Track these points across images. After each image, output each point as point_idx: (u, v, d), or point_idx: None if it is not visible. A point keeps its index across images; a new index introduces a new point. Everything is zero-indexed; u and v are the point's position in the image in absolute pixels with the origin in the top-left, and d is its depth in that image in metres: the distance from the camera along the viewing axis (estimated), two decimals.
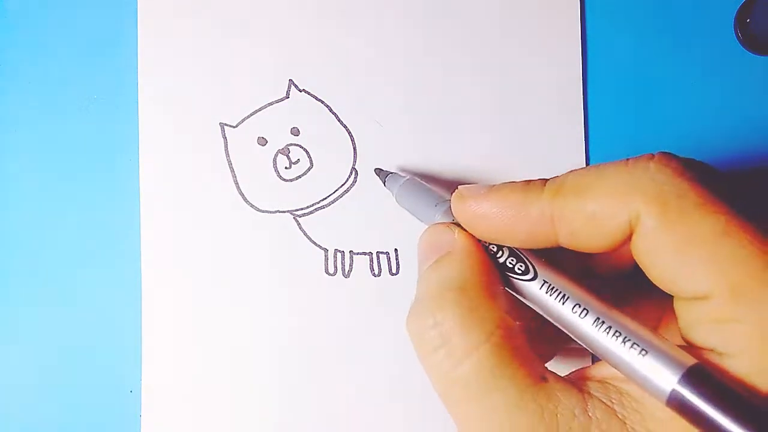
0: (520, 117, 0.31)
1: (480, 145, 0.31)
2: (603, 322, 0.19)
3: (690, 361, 0.17)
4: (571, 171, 0.20)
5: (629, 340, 0.18)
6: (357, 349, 0.30)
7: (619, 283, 0.22)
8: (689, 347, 0.18)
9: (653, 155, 0.19)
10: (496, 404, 0.18)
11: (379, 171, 0.30)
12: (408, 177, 0.28)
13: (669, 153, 0.19)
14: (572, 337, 0.20)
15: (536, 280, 0.20)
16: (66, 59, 0.31)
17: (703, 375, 0.17)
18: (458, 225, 0.22)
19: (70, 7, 0.31)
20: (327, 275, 0.30)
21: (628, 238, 0.19)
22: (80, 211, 0.31)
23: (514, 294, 0.21)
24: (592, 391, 0.19)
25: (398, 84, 0.31)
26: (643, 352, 0.18)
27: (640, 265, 0.19)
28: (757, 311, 0.17)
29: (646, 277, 0.22)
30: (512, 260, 0.21)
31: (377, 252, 0.31)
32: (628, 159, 0.19)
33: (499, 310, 0.20)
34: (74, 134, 0.31)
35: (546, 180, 0.20)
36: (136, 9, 0.31)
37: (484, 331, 0.19)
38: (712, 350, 0.18)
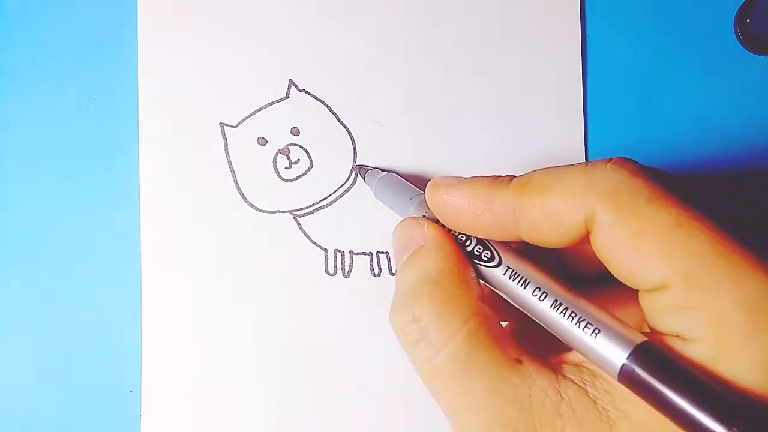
0: (520, 117, 0.31)
1: (480, 145, 0.31)
2: (560, 304, 0.20)
3: (640, 338, 0.18)
4: (537, 170, 0.21)
5: (583, 320, 0.19)
6: (357, 349, 0.30)
7: (605, 285, 0.23)
8: (657, 333, 0.19)
9: (611, 158, 0.20)
10: (474, 388, 0.20)
11: (359, 167, 0.30)
12: (385, 173, 0.29)
13: (625, 157, 0.20)
14: (534, 319, 0.21)
15: (501, 267, 0.22)
16: (66, 59, 0.31)
17: (652, 351, 0.18)
18: (429, 219, 0.24)
19: (70, 7, 0.31)
20: (327, 275, 0.30)
21: (586, 236, 0.20)
22: (80, 211, 0.31)
23: (483, 282, 0.22)
24: (566, 373, 0.20)
25: (398, 84, 0.31)
26: (596, 331, 0.19)
27: (602, 260, 0.20)
28: (712, 296, 0.17)
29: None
30: (479, 248, 0.22)
31: (377, 252, 0.31)
32: (588, 162, 0.20)
33: (472, 298, 0.21)
34: (74, 134, 0.31)
35: (513, 176, 0.21)
36: (136, 9, 0.31)
37: (459, 320, 0.20)
38: (677, 336, 0.18)
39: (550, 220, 0.20)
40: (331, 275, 0.31)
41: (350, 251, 0.31)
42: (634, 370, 0.18)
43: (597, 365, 0.19)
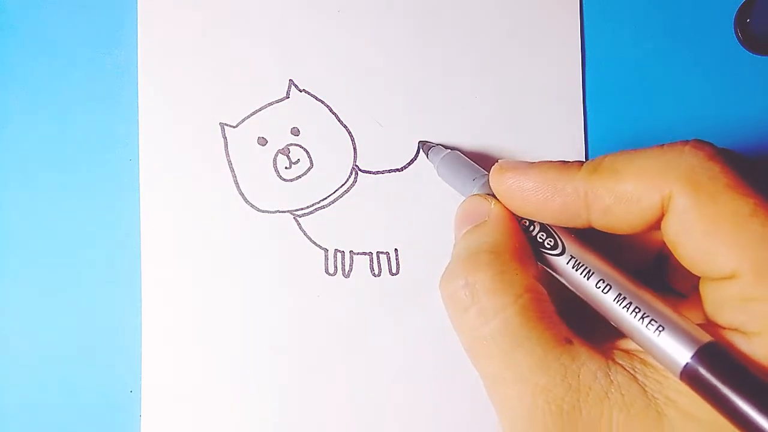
0: (520, 117, 0.31)
1: (480, 145, 0.31)
2: (624, 298, 0.20)
3: (706, 338, 0.18)
4: (608, 154, 0.21)
5: (647, 316, 0.19)
6: (357, 349, 0.30)
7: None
8: (714, 327, 0.19)
9: (688, 141, 0.20)
10: (520, 361, 0.19)
11: (422, 143, 0.30)
12: (449, 150, 0.29)
13: (703, 140, 0.20)
14: (596, 310, 0.20)
15: (564, 255, 0.21)
16: (66, 59, 0.31)
17: (718, 352, 0.17)
18: (495, 198, 0.23)
19: (70, 7, 0.31)
20: (327, 275, 0.30)
21: (659, 220, 0.19)
22: (80, 210, 0.31)
23: (544, 267, 0.22)
24: (616, 359, 0.20)
25: (398, 84, 0.31)
26: (660, 329, 0.19)
27: (670, 246, 0.19)
28: None
29: (664, 271, 0.23)
30: (542, 235, 0.22)
31: (377, 252, 0.31)
32: (663, 144, 0.20)
33: (528, 275, 0.21)
34: (74, 134, 0.31)
35: (582, 161, 0.21)
36: (136, 9, 0.31)
37: (513, 293, 0.20)
38: (736, 329, 0.18)
39: (625, 203, 0.19)
40: (331, 275, 0.31)
41: (350, 251, 0.31)
42: (697, 370, 0.17)
43: (659, 362, 0.19)
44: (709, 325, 0.19)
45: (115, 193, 0.31)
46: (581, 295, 0.21)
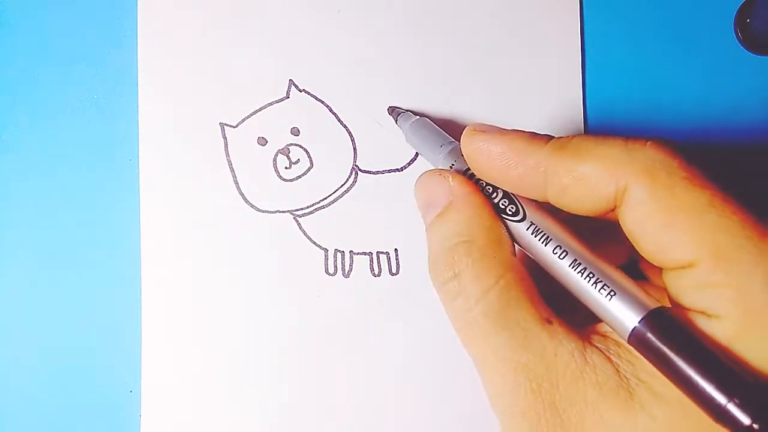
0: (521, 117, 0.31)
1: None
2: (579, 264, 0.20)
3: (654, 304, 0.19)
4: (576, 134, 0.21)
5: (600, 281, 0.20)
6: (357, 349, 0.30)
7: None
8: (680, 307, 0.19)
9: (650, 137, 0.20)
10: (503, 342, 0.20)
11: (392, 109, 0.30)
12: (418, 117, 0.29)
13: (665, 138, 0.20)
14: (553, 276, 0.21)
15: (524, 222, 0.22)
16: (66, 59, 0.31)
17: (665, 317, 0.18)
18: (456, 172, 0.24)
19: (70, 7, 0.31)
20: (327, 275, 0.30)
21: (611, 209, 0.20)
22: (80, 210, 0.31)
23: (510, 234, 0.23)
24: (593, 341, 0.20)
25: (398, 84, 0.31)
26: (612, 293, 0.19)
27: (630, 238, 0.20)
28: (738, 275, 0.18)
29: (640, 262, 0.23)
30: (505, 201, 0.23)
31: (377, 252, 0.31)
32: (627, 137, 0.20)
33: (506, 254, 0.22)
34: (74, 134, 0.31)
35: (552, 136, 0.22)
36: (136, 9, 0.31)
37: (493, 276, 0.21)
38: (702, 312, 0.18)
39: (581, 186, 0.20)
40: (331, 275, 0.30)
41: (350, 251, 0.31)
42: (645, 334, 0.18)
43: (610, 326, 0.20)
44: (676, 306, 0.20)
45: (115, 193, 0.31)
46: (540, 263, 0.22)
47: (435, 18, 0.31)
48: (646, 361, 0.19)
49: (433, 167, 0.26)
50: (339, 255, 0.31)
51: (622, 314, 0.19)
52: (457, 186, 0.23)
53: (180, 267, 0.30)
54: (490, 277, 0.21)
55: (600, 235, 0.23)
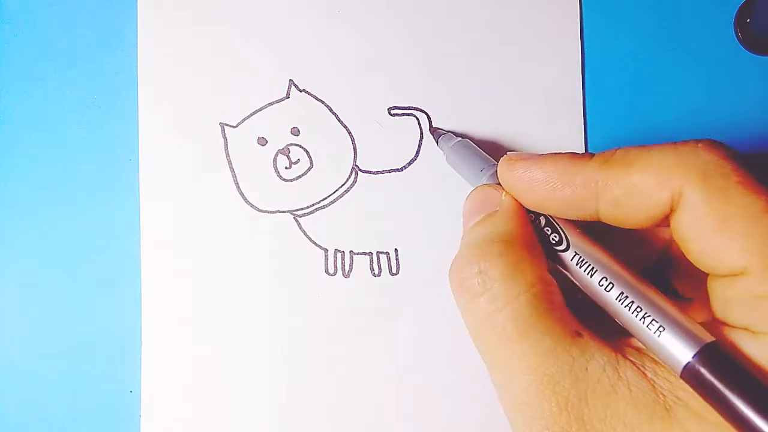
0: (520, 117, 0.31)
1: (480, 145, 0.31)
2: (626, 297, 0.20)
3: (708, 338, 0.18)
4: (619, 147, 0.21)
5: (649, 316, 0.19)
6: (357, 349, 0.30)
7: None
8: (721, 326, 0.19)
9: (701, 140, 0.20)
10: (529, 350, 0.20)
11: (434, 130, 0.30)
12: (460, 139, 0.29)
13: (716, 140, 0.20)
14: (601, 306, 0.20)
15: (569, 251, 0.21)
16: (66, 59, 0.31)
17: (719, 352, 0.17)
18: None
19: (70, 7, 0.31)
20: (327, 275, 0.30)
21: (666, 217, 0.19)
22: (80, 210, 0.31)
23: (555, 263, 0.22)
24: (627, 355, 0.20)
25: (398, 84, 0.31)
26: (661, 328, 0.19)
27: (679, 242, 0.19)
28: None
29: (667, 272, 0.23)
30: (548, 230, 0.22)
31: (377, 252, 0.31)
32: (676, 142, 0.20)
33: (540, 266, 0.21)
34: (74, 134, 0.31)
35: (593, 153, 0.21)
36: (136, 9, 0.31)
37: (525, 282, 0.20)
38: (745, 329, 0.18)
39: (635, 195, 0.19)
40: (331, 275, 0.30)
41: (350, 251, 0.31)
42: (698, 369, 0.17)
43: (662, 361, 0.19)
44: (716, 323, 0.19)
45: (115, 193, 0.31)
46: (585, 291, 0.21)
47: (435, 18, 0.31)
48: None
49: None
50: (339, 255, 0.31)
51: (674, 349, 0.18)
52: (508, 199, 0.23)
53: (180, 267, 0.30)
54: (523, 282, 0.20)
55: (627, 244, 0.22)
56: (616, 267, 0.20)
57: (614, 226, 0.21)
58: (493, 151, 0.31)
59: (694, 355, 0.18)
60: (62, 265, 0.30)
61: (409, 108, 0.31)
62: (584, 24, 0.31)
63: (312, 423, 0.30)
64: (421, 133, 0.31)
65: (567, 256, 0.21)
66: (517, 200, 0.23)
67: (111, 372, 0.30)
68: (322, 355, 0.30)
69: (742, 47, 0.31)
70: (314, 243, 0.31)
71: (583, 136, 0.31)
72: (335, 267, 0.31)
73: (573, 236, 0.22)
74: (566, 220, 0.22)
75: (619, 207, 0.20)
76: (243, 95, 0.31)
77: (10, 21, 0.31)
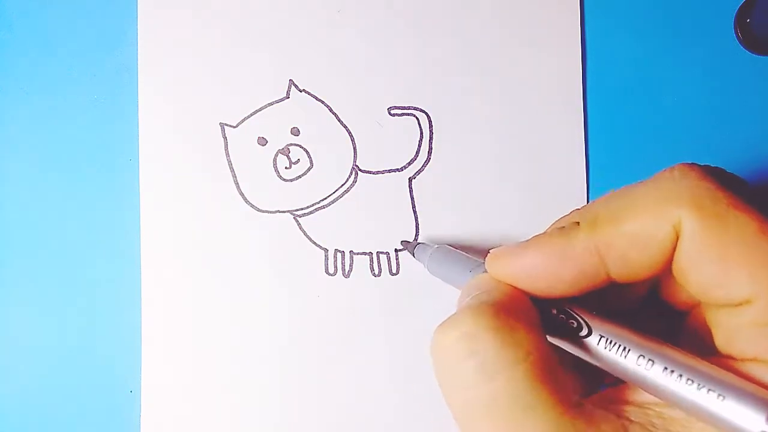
0: (520, 117, 0.31)
1: (480, 145, 0.31)
2: (673, 371, 0.18)
3: None
4: (596, 201, 0.20)
5: (704, 386, 0.17)
6: (357, 349, 0.30)
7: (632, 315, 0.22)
8: (730, 359, 0.18)
9: (673, 167, 0.19)
10: (529, 428, 0.17)
11: (406, 243, 0.30)
12: (437, 246, 0.27)
13: (686, 162, 0.19)
14: (643, 388, 0.19)
15: (593, 335, 0.19)
16: (66, 59, 0.31)
17: None
18: None
19: (70, 7, 0.31)
20: (327, 275, 0.30)
21: (674, 250, 0.18)
22: (80, 210, 0.31)
23: (576, 353, 0.20)
24: (631, 417, 0.18)
25: (398, 84, 0.31)
26: (721, 397, 0.17)
27: (678, 273, 0.18)
28: None
29: (654, 298, 0.22)
30: (562, 317, 0.20)
31: (377, 252, 0.31)
32: (651, 177, 0.19)
33: (537, 334, 0.19)
34: (74, 134, 0.31)
35: (576, 221, 0.19)
36: (136, 9, 0.31)
37: (522, 350, 0.18)
38: (753, 359, 0.17)
39: (639, 244, 0.18)
40: (331, 275, 0.30)
41: (350, 251, 0.31)
42: None
43: (726, 430, 0.17)
44: (721, 357, 0.18)
45: (115, 193, 0.31)
46: (618, 375, 0.19)
47: (435, 18, 0.31)
48: (697, 429, 0.17)
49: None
50: (339, 255, 0.31)
51: (742, 418, 0.16)
52: (504, 285, 0.20)
53: (180, 267, 0.30)
54: (520, 350, 0.18)
55: (610, 292, 0.21)
56: (648, 342, 0.19)
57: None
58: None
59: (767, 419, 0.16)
60: (62, 265, 0.30)
61: (409, 108, 0.31)
62: (585, 24, 0.31)
63: (312, 422, 0.30)
64: (421, 133, 0.31)
65: (591, 341, 0.19)
66: (516, 289, 0.20)
67: (111, 372, 0.30)
68: (322, 354, 0.30)
69: (742, 47, 0.31)
70: (314, 243, 0.31)
71: (584, 136, 0.31)
72: (335, 267, 0.31)
73: (591, 319, 0.19)
74: (575, 304, 0.20)
75: (629, 261, 0.19)
76: (243, 95, 0.31)
77: (10, 21, 0.31)
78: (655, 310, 0.23)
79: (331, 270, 0.30)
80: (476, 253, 0.28)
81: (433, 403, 0.30)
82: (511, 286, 0.20)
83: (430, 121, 0.31)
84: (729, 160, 0.31)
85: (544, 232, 0.20)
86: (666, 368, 0.18)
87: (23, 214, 0.31)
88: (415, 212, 0.31)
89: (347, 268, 0.31)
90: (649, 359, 0.18)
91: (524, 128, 0.31)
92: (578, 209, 0.21)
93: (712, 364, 0.18)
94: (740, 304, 0.17)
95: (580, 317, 0.19)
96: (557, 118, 0.31)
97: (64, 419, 0.30)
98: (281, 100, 0.31)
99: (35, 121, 0.31)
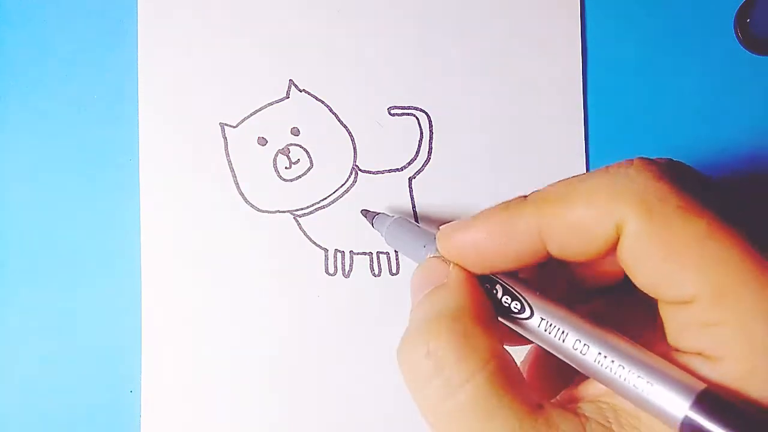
0: (520, 117, 0.31)
1: (480, 145, 0.31)
2: (605, 357, 0.18)
3: (699, 385, 0.17)
4: (553, 183, 0.20)
5: (633, 372, 0.18)
6: (357, 349, 0.30)
7: (610, 295, 0.22)
8: (677, 352, 0.18)
9: (632, 160, 0.19)
10: None
11: (365, 212, 0.30)
12: (395, 217, 0.28)
13: (646, 157, 0.19)
14: (580, 370, 0.19)
15: (534, 318, 0.20)
16: (66, 59, 0.31)
17: (713, 399, 0.17)
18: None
19: (70, 7, 0.31)
20: (327, 275, 0.30)
21: (615, 245, 0.19)
22: (80, 211, 0.31)
23: (516, 329, 0.21)
24: (587, 414, 0.19)
25: (398, 84, 0.31)
26: (650, 383, 0.18)
27: (626, 271, 0.19)
28: (740, 313, 0.17)
29: (634, 286, 0.22)
30: (507, 299, 0.21)
31: (377, 252, 0.31)
32: (608, 166, 0.19)
33: (493, 339, 0.20)
34: (74, 134, 0.31)
35: (526, 195, 0.20)
36: (136, 9, 0.31)
37: (480, 359, 0.19)
38: (699, 354, 0.18)
39: (580, 233, 0.19)
40: (331, 275, 0.31)
41: (350, 251, 0.31)
42: (697, 421, 0.17)
43: (653, 416, 0.18)
44: (671, 350, 0.19)
45: (115, 193, 0.31)
46: (558, 356, 0.20)
47: (435, 18, 0.31)
48: (649, 422, 0.18)
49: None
50: (339, 255, 0.31)
51: (667, 404, 0.17)
52: (456, 270, 0.21)
53: (180, 267, 0.30)
54: (477, 360, 0.19)
55: (581, 269, 0.21)
56: (587, 326, 0.19)
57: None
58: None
59: (691, 406, 0.17)
60: (62, 265, 0.30)
61: (409, 108, 0.31)
62: (585, 24, 0.31)
63: (312, 422, 0.30)
64: (421, 133, 0.31)
65: (532, 323, 0.20)
66: (465, 269, 0.21)
67: (111, 372, 0.30)
68: (322, 354, 0.30)
69: (742, 47, 0.31)
70: (314, 243, 0.31)
71: (584, 136, 0.31)
72: (335, 267, 0.31)
73: (535, 301, 0.20)
74: (524, 285, 0.21)
75: (567, 247, 0.19)
76: (243, 95, 0.31)
77: (10, 21, 0.31)
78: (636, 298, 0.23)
79: (331, 270, 0.31)
80: None
81: None
82: (465, 282, 0.21)
83: (430, 121, 0.31)
84: (729, 160, 0.31)
85: (493, 207, 0.21)
86: (600, 353, 0.18)
87: (23, 214, 0.31)
88: (415, 212, 0.31)
89: (347, 268, 0.31)
90: (585, 343, 0.19)
91: (524, 128, 0.31)
92: (537, 189, 0.21)
93: (647, 351, 0.18)
94: (684, 303, 0.18)
95: (524, 299, 0.20)
96: (557, 118, 0.31)
97: (65, 419, 0.30)
98: (281, 100, 0.31)
99: (35, 120, 0.31)
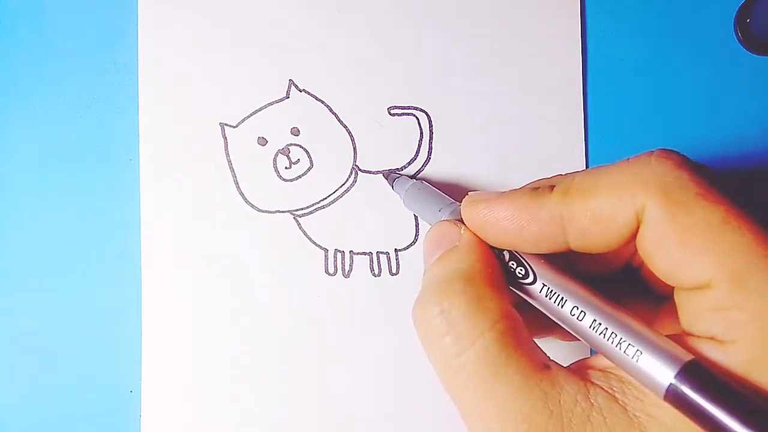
0: (520, 117, 0.31)
1: (480, 145, 0.31)
2: (600, 324, 0.19)
3: (686, 356, 0.18)
4: (578, 172, 0.21)
5: (625, 341, 0.19)
6: (357, 349, 0.30)
7: (615, 283, 0.23)
8: (690, 336, 0.19)
9: (653, 151, 0.20)
10: (500, 389, 0.19)
11: (387, 174, 0.30)
12: (414, 180, 0.28)
13: (668, 149, 0.20)
14: (575, 336, 0.20)
15: (536, 284, 0.21)
16: (66, 59, 0.31)
17: (699, 370, 0.17)
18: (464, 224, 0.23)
19: (69, 7, 0.31)
20: (327, 275, 0.30)
21: (635, 235, 0.19)
22: (80, 211, 0.31)
23: (521, 294, 0.22)
24: (593, 380, 0.19)
25: (398, 84, 0.31)
26: (639, 352, 0.18)
27: (644, 257, 0.19)
28: (756, 299, 0.17)
29: (638, 275, 0.23)
30: (513, 264, 0.22)
31: (377, 252, 0.31)
32: (629, 158, 0.20)
33: (503, 300, 0.21)
34: (74, 134, 0.31)
35: (553, 184, 0.21)
36: (136, 9, 0.31)
37: (489, 319, 0.20)
38: (712, 338, 0.18)
39: (601, 222, 0.19)
40: (331, 275, 0.31)
41: (350, 251, 0.31)
42: (681, 390, 0.17)
43: (642, 384, 0.19)
44: (683, 334, 0.19)
45: (115, 193, 0.31)
46: (557, 321, 0.21)
47: (435, 18, 0.31)
48: (653, 396, 0.18)
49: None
50: (339, 255, 0.31)
51: (654, 371, 0.18)
52: (467, 234, 0.22)
53: (180, 267, 0.30)
54: (487, 320, 0.20)
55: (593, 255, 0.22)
56: (586, 294, 0.20)
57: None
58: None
59: (675, 376, 0.17)
60: (62, 265, 0.30)
61: (409, 108, 0.31)
62: (585, 24, 0.31)
63: (312, 422, 0.30)
64: (421, 133, 0.31)
65: (535, 288, 0.21)
66: (476, 235, 0.22)
67: (111, 372, 0.30)
68: (322, 354, 0.30)
69: (742, 47, 0.31)
70: (314, 243, 0.31)
71: (584, 136, 0.31)
72: (335, 267, 0.31)
73: (539, 267, 0.21)
74: (530, 252, 0.22)
75: (588, 236, 0.20)
76: (243, 95, 0.31)
77: (10, 21, 0.31)
78: (644, 289, 0.24)
79: (331, 270, 0.31)
80: None
81: (433, 403, 0.30)
82: (476, 246, 0.22)
83: (430, 121, 0.31)
84: (729, 160, 0.31)
85: (521, 188, 0.22)
86: (594, 320, 0.20)
87: (23, 214, 0.31)
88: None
89: (347, 268, 0.31)
90: (582, 311, 0.20)
91: (524, 128, 0.31)
92: (562, 174, 0.22)
93: (640, 321, 0.19)
94: (700, 288, 0.18)
95: (529, 264, 0.21)
96: (557, 118, 0.31)
97: (65, 419, 0.30)
98: (281, 100, 0.31)
99: (35, 120, 0.31)
